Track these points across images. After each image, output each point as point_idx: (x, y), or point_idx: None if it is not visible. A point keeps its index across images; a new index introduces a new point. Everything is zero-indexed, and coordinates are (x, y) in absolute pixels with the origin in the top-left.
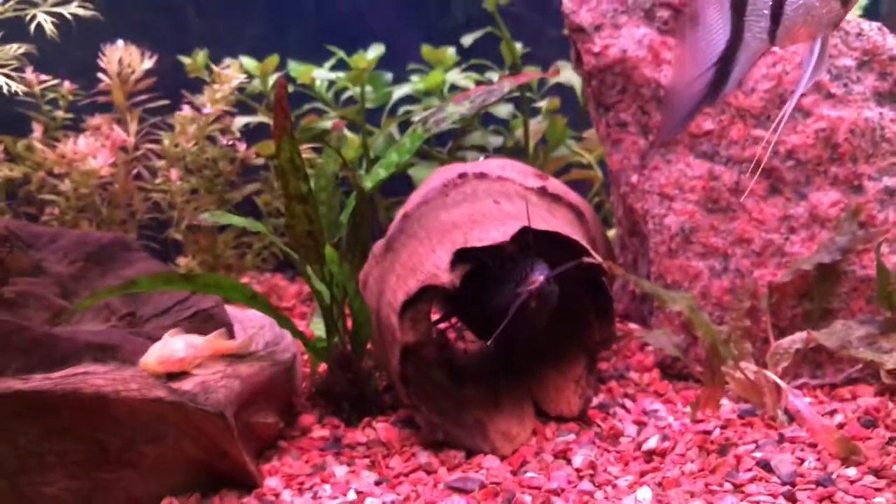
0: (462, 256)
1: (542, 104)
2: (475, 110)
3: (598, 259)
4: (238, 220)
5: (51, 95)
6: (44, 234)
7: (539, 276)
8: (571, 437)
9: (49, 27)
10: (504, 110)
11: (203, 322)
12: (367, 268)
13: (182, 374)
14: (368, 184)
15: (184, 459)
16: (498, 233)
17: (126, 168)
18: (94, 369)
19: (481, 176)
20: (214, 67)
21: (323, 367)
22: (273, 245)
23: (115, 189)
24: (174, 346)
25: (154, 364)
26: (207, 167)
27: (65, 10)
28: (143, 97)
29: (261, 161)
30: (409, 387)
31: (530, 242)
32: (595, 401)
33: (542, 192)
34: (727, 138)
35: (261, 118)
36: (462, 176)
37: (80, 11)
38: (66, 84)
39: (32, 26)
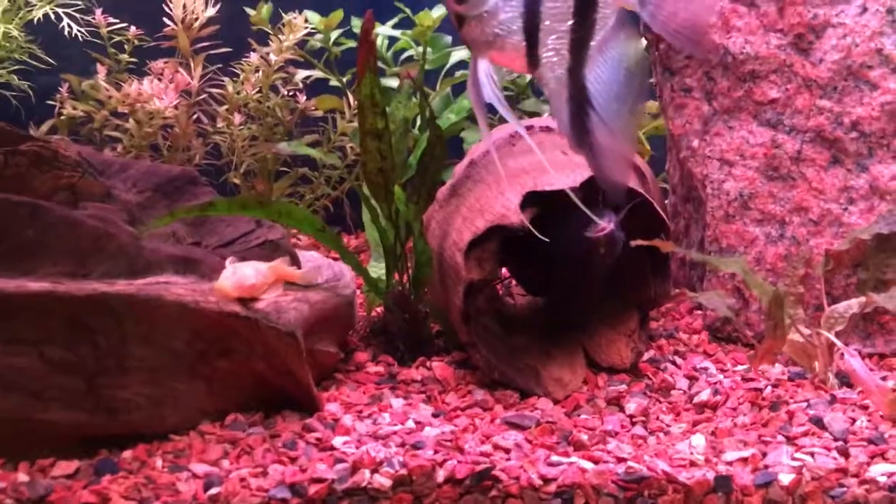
0: (529, 202)
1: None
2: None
3: (663, 214)
4: (314, 152)
5: (116, 38)
6: (114, 164)
7: (608, 223)
8: (623, 387)
9: None
10: None
11: (271, 251)
12: (430, 212)
13: (253, 300)
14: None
15: (252, 377)
16: (568, 179)
17: (188, 111)
18: (176, 280)
19: (547, 129)
20: (285, 16)
21: (377, 309)
22: (325, 197)
23: (176, 131)
24: (244, 271)
25: (229, 288)
26: (269, 115)
27: None
28: (205, 44)
29: (319, 114)
30: (469, 325)
31: (597, 192)
32: (645, 356)
33: None
34: (792, 107)
35: (321, 73)
36: (529, 128)
37: None
38: (132, 29)
39: None
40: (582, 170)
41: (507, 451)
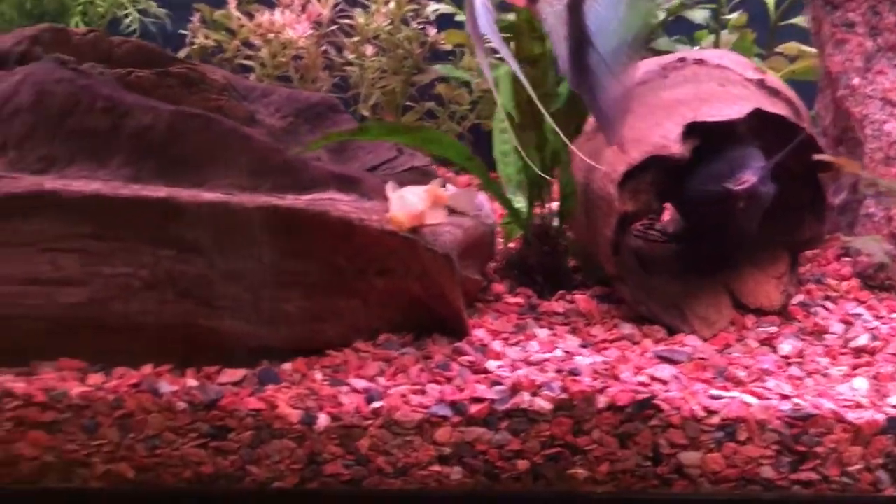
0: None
1: (732, 17)
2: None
3: (826, 153)
4: (466, 76)
5: None
6: (256, 89)
7: (751, 176)
8: (773, 328)
9: None
10: (700, 16)
11: (420, 177)
12: (577, 144)
13: (421, 226)
14: None
15: (406, 297)
16: (731, 110)
17: (317, 42)
18: (340, 197)
19: (700, 62)
20: None
21: (514, 242)
22: (450, 132)
23: (306, 62)
24: (411, 199)
25: (403, 218)
26: (399, 47)
27: None
28: None
29: (447, 48)
30: (618, 257)
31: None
32: (795, 300)
33: (761, 84)
34: None
35: (450, 7)
36: (681, 60)
37: None
38: None
39: None
40: (744, 102)
41: (665, 382)
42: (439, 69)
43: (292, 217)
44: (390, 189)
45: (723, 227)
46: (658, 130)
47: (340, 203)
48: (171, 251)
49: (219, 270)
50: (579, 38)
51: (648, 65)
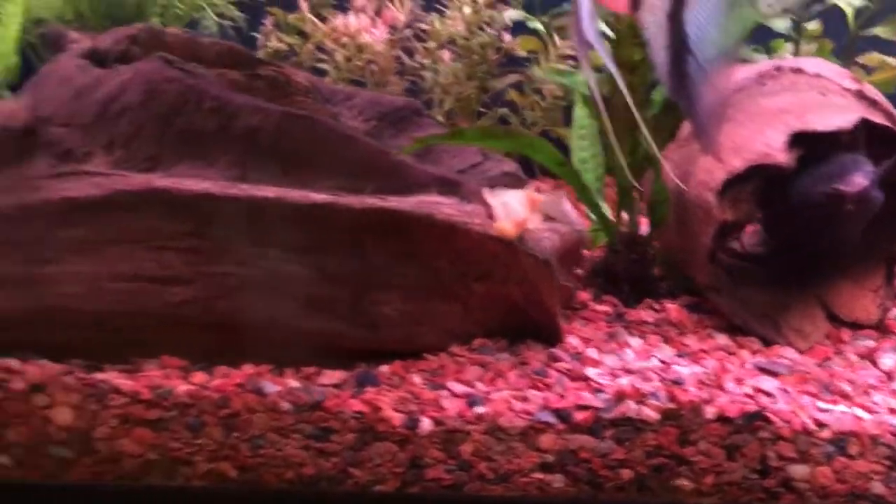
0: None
1: (809, 26)
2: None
3: None
4: (565, 81)
5: None
6: (340, 92)
7: (863, 179)
8: (871, 342)
9: None
10: (781, 24)
11: (512, 182)
12: (669, 151)
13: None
14: None
15: (503, 302)
16: (838, 120)
17: (391, 47)
18: (442, 200)
19: (798, 70)
20: None
21: (598, 250)
22: None
23: (381, 65)
24: (513, 206)
25: (509, 227)
26: (475, 53)
27: None
28: None
29: (521, 54)
30: (717, 267)
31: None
32: (890, 313)
33: (860, 94)
34: None
35: (524, 15)
36: (778, 69)
37: None
38: None
39: None
40: (847, 112)
41: (770, 394)
42: (538, 72)
43: (398, 219)
44: (489, 195)
45: (822, 235)
46: (761, 139)
47: (444, 206)
48: (277, 251)
49: (322, 271)
50: (679, 46)
51: (743, 72)
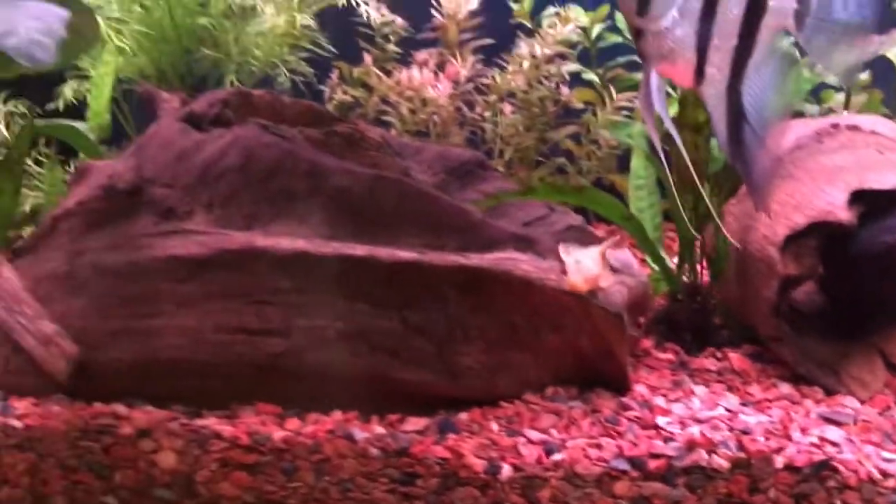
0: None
1: (859, 77)
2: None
3: None
4: (619, 133)
5: (385, 30)
6: (409, 147)
7: None
8: None
9: None
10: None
11: (579, 236)
12: (729, 206)
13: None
14: None
15: (574, 353)
16: None
17: (453, 100)
18: (519, 256)
19: (854, 128)
20: (561, 10)
21: (659, 299)
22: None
23: (443, 118)
24: (587, 263)
25: (580, 282)
26: (534, 106)
27: None
28: (469, 36)
29: (579, 106)
30: (780, 319)
31: None
32: None
33: None
34: None
35: (581, 67)
36: (835, 126)
37: None
38: (398, 20)
39: None
40: None
41: (836, 444)
42: (609, 133)
43: (478, 275)
44: (563, 251)
45: (881, 287)
46: (823, 196)
47: (521, 262)
48: (366, 305)
49: (408, 324)
50: (736, 116)
51: (801, 129)
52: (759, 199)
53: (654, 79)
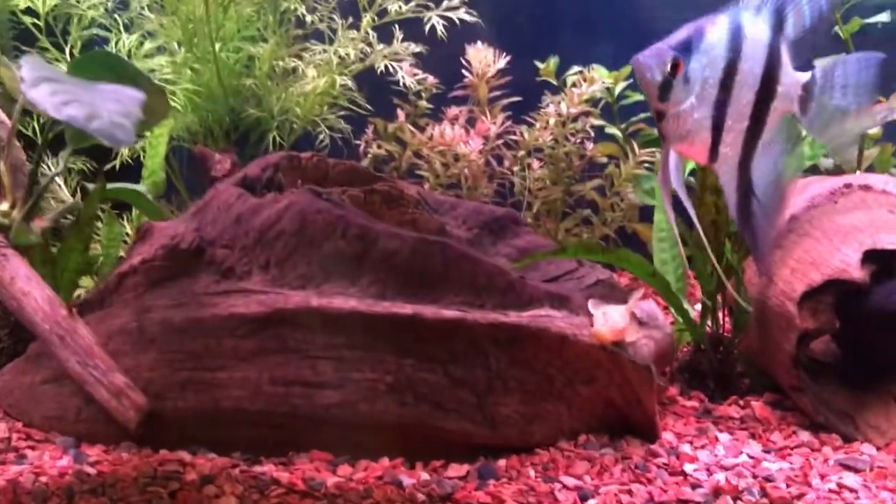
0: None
1: (871, 131)
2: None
3: None
4: (643, 192)
5: (417, 87)
6: (445, 203)
7: None
8: None
9: (440, 28)
10: None
11: (608, 290)
12: (750, 261)
13: (622, 341)
14: None
15: (605, 403)
16: None
17: (483, 155)
18: (553, 313)
19: (866, 188)
20: (584, 70)
21: (683, 347)
22: (603, 238)
23: (473, 172)
24: (614, 317)
25: (607, 334)
26: (561, 161)
27: (453, 15)
28: (496, 93)
29: (603, 160)
30: (800, 370)
31: None
32: None
33: None
34: None
35: (605, 123)
36: (848, 186)
37: (466, 17)
38: (430, 78)
39: (427, 27)
40: None
41: (853, 490)
42: (635, 197)
43: (517, 332)
44: (593, 306)
45: (894, 343)
46: (837, 255)
47: (556, 319)
48: (412, 360)
49: (451, 377)
50: (745, 190)
51: (815, 188)
52: (762, 266)
53: (673, 157)
